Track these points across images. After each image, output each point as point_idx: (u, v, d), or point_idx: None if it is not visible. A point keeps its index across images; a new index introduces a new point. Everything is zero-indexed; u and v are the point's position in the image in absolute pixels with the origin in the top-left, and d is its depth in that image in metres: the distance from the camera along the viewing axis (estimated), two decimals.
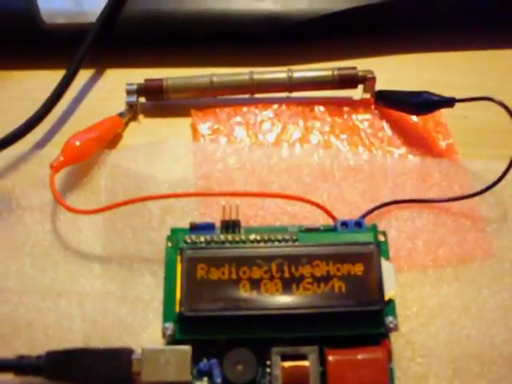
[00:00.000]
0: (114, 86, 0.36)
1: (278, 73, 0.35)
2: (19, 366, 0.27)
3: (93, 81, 0.37)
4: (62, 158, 0.31)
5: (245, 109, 0.35)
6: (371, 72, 0.35)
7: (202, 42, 0.37)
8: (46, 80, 0.35)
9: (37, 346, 0.28)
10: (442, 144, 0.34)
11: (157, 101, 0.35)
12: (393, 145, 0.34)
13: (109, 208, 0.29)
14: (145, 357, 0.27)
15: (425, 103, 0.33)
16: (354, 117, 0.35)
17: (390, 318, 0.27)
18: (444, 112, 0.35)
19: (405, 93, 0.34)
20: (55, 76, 0.34)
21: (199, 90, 0.35)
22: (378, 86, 0.35)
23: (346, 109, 0.35)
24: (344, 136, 0.34)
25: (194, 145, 0.34)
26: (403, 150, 0.34)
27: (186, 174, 0.32)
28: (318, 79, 0.35)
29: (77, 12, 0.36)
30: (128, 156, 0.33)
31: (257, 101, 0.35)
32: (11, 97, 0.36)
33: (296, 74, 0.35)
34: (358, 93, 0.36)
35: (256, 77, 0.35)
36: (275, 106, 0.35)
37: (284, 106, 0.35)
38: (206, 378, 0.27)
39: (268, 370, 0.27)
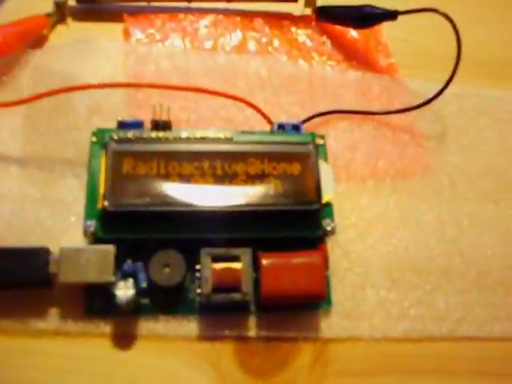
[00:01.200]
0: None
1: None
2: None
3: None
4: None
5: (181, 16, 0.33)
6: None
7: None
8: None
9: None
10: (383, 62, 0.33)
11: (87, 3, 0.33)
12: (333, 59, 0.33)
13: (30, 100, 0.27)
14: (63, 256, 0.25)
15: (367, 16, 0.32)
16: (293, 30, 0.33)
17: (327, 221, 0.26)
18: (385, 32, 0.34)
19: (347, 7, 0.33)
20: None
21: None
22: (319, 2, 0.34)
23: (285, 22, 0.34)
24: (282, 47, 0.33)
25: (126, 45, 0.32)
26: (343, 65, 0.33)
27: (116, 75, 0.30)
28: None
29: None
30: (54, 55, 0.31)
31: (194, 10, 0.33)
32: None
33: None
34: (298, 7, 0.34)
35: None
36: (213, 16, 0.33)
37: (222, 16, 0.33)
38: (130, 280, 0.25)
39: (198, 274, 0.25)
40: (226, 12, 0.34)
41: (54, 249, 0.25)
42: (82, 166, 0.27)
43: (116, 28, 0.33)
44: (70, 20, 0.33)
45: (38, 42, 0.32)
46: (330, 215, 0.26)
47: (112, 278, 0.25)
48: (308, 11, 0.34)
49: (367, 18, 0.32)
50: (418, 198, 0.29)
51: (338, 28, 0.34)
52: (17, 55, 0.31)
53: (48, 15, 0.32)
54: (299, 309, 0.26)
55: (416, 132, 0.31)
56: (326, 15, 0.33)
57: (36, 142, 0.29)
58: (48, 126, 0.29)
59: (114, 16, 0.33)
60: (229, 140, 0.27)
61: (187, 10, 0.33)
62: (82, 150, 0.28)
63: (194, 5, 0.33)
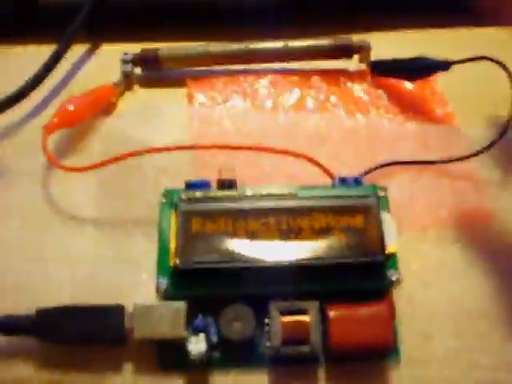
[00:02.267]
0: (107, 61, 0.35)
1: (273, 41, 0.34)
2: (7, 324, 0.26)
3: (86, 55, 0.36)
4: (55, 120, 0.31)
5: (241, 78, 0.34)
6: (366, 41, 0.34)
7: (198, 17, 0.36)
8: (37, 55, 0.34)
9: (24, 308, 0.27)
10: (440, 111, 0.33)
11: (152, 70, 0.35)
12: (390, 112, 0.33)
13: (102, 164, 0.29)
14: (137, 313, 0.26)
15: (420, 68, 0.33)
16: (349, 85, 0.34)
17: (392, 271, 0.27)
18: (440, 81, 0.35)
19: (400, 60, 0.33)
20: (46, 51, 0.34)
21: (195, 60, 0.34)
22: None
23: (341, 78, 0.35)
24: (340, 103, 0.33)
25: (190, 108, 0.33)
26: (400, 116, 0.33)
27: (181, 137, 0.32)
28: (314, 48, 0.34)
29: None
30: (122, 121, 0.33)
31: (253, 72, 0.35)
32: (4, 71, 0.35)
33: (292, 43, 0.34)
34: (353, 63, 0.35)
35: (252, 46, 0.34)
36: (271, 76, 0.35)
37: (279, 76, 0.35)
38: (201, 335, 0.26)
39: (266, 327, 0.26)
40: (284, 72, 0.35)
41: (128, 306, 0.26)
42: (152, 226, 0.29)
43: (180, 92, 0.34)
44: (136, 87, 0.35)
45: (108, 109, 0.34)
46: (395, 266, 0.27)
47: (184, 334, 0.25)
48: (363, 66, 0.35)
49: (420, 70, 0.33)
50: (481, 245, 0.29)
51: (393, 81, 0.34)
52: (88, 123, 0.33)
53: (116, 84, 0.34)
54: (368, 359, 0.26)
55: (476, 179, 0.31)
56: (380, 69, 0.34)
57: (109, 203, 0.30)
58: (119, 188, 0.31)
59: (177, 81, 0.35)
60: (293, 196, 0.28)
61: (246, 72, 0.35)
62: (152, 210, 0.29)
63: (252, 66, 0.35)
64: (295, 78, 0.34)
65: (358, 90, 0.34)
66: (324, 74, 0.35)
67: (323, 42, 0.34)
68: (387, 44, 0.36)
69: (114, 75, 0.34)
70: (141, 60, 0.34)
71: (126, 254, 0.29)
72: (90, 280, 0.28)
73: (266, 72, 0.35)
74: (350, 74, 0.35)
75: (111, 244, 0.29)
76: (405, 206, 0.30)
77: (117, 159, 0.29)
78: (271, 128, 0.32)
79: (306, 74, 0.35)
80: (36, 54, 0.34)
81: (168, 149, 0.29)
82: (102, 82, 0.34)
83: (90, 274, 0.28)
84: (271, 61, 0.35)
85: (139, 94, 0.35)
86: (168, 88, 0.35)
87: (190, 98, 0.34)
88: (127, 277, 0.28)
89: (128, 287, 0.28)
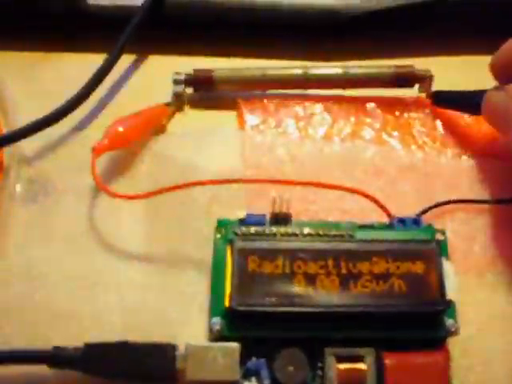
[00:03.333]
0: (158, 73, 0.34)
1: (332, 68, 0.33)
2: (55, 357, 0.25)
3: (136, 66, 0.35)
4: (105, 142, 0.30)
5: (293, 102, 0.33)
6: (429, 71, 0.33)
7: (252, 33, 0.35)
8: (86, 63, 0.33)
9: (71, 336, 0.27)
10: (497, 145, 0.33)
11: (205, 92, 0.34)
12: (446, 145, 0.32)
13: (151, 194, 0.28)
14: (190, 353, 0.25)
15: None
16: (405, 115, 0.33)
17: (450, 321, 0.26)
18: None
19: (464, 92, 0.32)
20: (96, 59, 0.32)
21: (250, 83, 0.33)
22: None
23: (397, 106, 0.34)
24: (396, 134, 0.32)
25: (243, 133, 0.32)
26: (457, 150, 0.32)
27: (233, 164, 0.31)
28: (374, 76, 0.33)
29: None
30: (173, 143, 0.32)
31: (306, 96, 0.34)
32: (51, 79, 0.34)
33: (351, 71, 0.33)
34: (413, 91, 0.34)
35: (310, 72, 0.33)
36: (326, 102, 0.33)
37: (335, 102, 0.33)
38: (253, 378, 0.25)
39: (319, 371, 0.26)
40: (339, 98, 0.34)
41: (178, 341, 0.25)
42: (203, 257, 0.28)
43: (231, 115, 0.33)
44: (187, 108, 0.34)
45: (158, 131, 0.33)
46: (453, 315, 0.26)
47: (237, 377, 0.25)
48: (422, 95, 0.34)
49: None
50: None
51: (451, 113, 0.33)
52: (138, 144, 0.32)
53: (167, 104, 0.33)
54: None
55: None
56: (442, 100, 0.33)
57: (157, 229, 0.29)
58: (169, 215, 0.30)
59: (229, 103, 0.34)
60: (351, 236, 0.27)
61: (300, 96, 0.34)
62: (203, 241, 0.28)
63: (309, 91, 0.34)
64: (350, 105, 0.33)
65: (414, 119, 0.33)
66: (381, 101, 0.34)
67: (384, 70, 0.33)
68: (448, 69, 0.35)
69: (163, 88, 0.33)
70: (193, 81, 0.33)
71: (176, 287, 0.28)
72: (139, 309, 0.28)
73: (320, 97, 0.34)
74: (406, 102, 0.34)
75: (160, 274, 0.28)
76: (461, 247, 0.29)
77: (164, 190, 0.28)
78: (326, 158, 0.31)
79: (361, 100, 0.34)
80: (84, 63, 0.33)
81: (218, 182, 0.29)
82: (151, 96, 0.33)
83: (139, 303, 0.28)
84: (329, 87, 0.34)
85: (190, 114, 0.34)
86: (220, 110, 0.34)
87: (241, 120, 0.33)
88: (177, 311, 0.28)
89: (178, 322, 0.27)
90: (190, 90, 0.34)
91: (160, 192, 0.28)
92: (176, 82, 0.33)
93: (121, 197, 0.29)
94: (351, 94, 0.34)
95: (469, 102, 0.32)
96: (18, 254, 0.29)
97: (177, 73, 0.33)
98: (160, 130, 0.33)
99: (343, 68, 0.33)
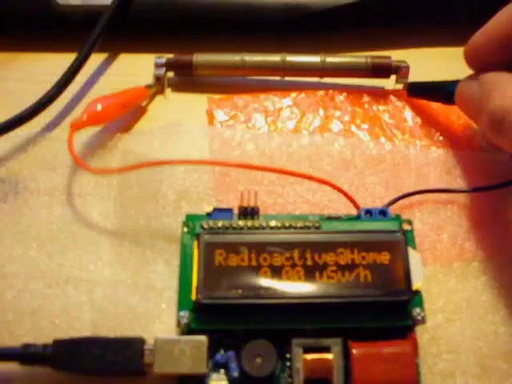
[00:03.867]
0: (127, 71, 0.35)
1: (310, 56, 0.34)
2: (25, 354, 0.26)
3: (105, 65, 0.35)
4: (84, 118, 0.30)
5: (262, 96, 0.34)
6: (405, 62, 0.34)
7: (217, 29, 0.36)
8: (57, 63, 0.33)
9: (42, 334, 0.27)
10: (465, 137, 0.33)
11: (185, 76, 0.34)
12: (415, 136, 0.32)
13: (125, 169, 0.29)
14: (158, 347, 0.25)
15: None
16: (374, 107, 0.34)
17: (417, 310, 0.26)
18: None
19: (438, 82, 0.32)
20: (67, 59, 0.33)
21: (229, 69, 0.34)
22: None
23: (366, 98, 0.34)
24: (365, 126, 0.33)
25: (211, 129, 0.32)
26: (425, 141, 0.32)
27: (202, 158, 0.31)
28: (351, 65, 0.34)
29: None
30: (142, 140, 0.32)
31: (275, 91, 0.34)
32: (21, 79, 0.35)
33: (329, 59, 0.33)
34: (389, 82, 0.34)
35: (288, 59, 0.34)
36: (294, 94, 0.34)
37: (303, 94, 0.34)
38: (222, 371, 0.26)
39: (288, 363, 0.26)
40: (308, 92, 0.34)
41: (146, 335, 0.26)
42: (172, 252, 0.28)
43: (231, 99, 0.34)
44: (168, 91, 0.34)
45: (138, 112, 0.33)
46: (420, 304, 0.26)
47: (205, 370, 0.25)
48: (399, 86, 0.34)
49: None
50: (507, 279, 0.29)
51: (420, 104, 0.34)
52: (107, 138, 0.32)
53: (148, 87, 0.34)
54: None
55: (504, 210, 0.30)
56: (416, 91, 0.33)
57: (127, 227, 0.29)
58: (138, 211, 0.30)
59: (208, 88, 0.34)
60: (317, 228, 0.27)
61: (270, 91, 0.34)
62: (172, 236, 0.29)
63: (279, 84, 0.34)
64: (319, 97, 0.34)
65: (383, 111, 0.33)
66: (349, 94, 0.34)
67: (361, 60, 0.34)
68: (423, 60, 0.35)
69: (131, 86, 0.33)
70: (174, 64, 0.34)
71: (145, 282, 0.28)
72: (109, 305, 0.28)
73: (287, 90, 0.34)
74: (375, 94, 0.34)
75: (130, 269, 0.28)
76: (430, 237, 0.29)
77: (136, 167, 0.29)
78: (294, 151, 0.31)
79: (330, 94, 0.34)
80: (54, 63, 0.34)
81: (189, 162, 0.30)
82: (133, 83, 0.33)
83: (108, 298, 0.28)
84: (306, 75, 0.34)
85: (170, 98, 0.34)
86: (199, 94, 0.34)
87: (211, 116, 0.33)
88: (146, 304, 0.28)
89: (147, 315, 0.27)
90: (172, 75, 0.35)
91: (131, 168, 0.29)
92: (157, 65, 0.34)
93: (94, 171, 0.30)
94: (321, 86, 0.34)
95: (442, 91, 0.32)
96: None
97: (158, 56, 0.34)
98: (140, 111, 0.34)
99: (321, 57, 0.34)
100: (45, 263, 0.29)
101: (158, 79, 0.34)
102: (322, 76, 0.34)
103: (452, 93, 0.31)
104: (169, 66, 0.34)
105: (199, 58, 0.34)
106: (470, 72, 0.31)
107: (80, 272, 0.28)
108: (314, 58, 0.34)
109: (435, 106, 0.34)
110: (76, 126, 0.30)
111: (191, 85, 0.35)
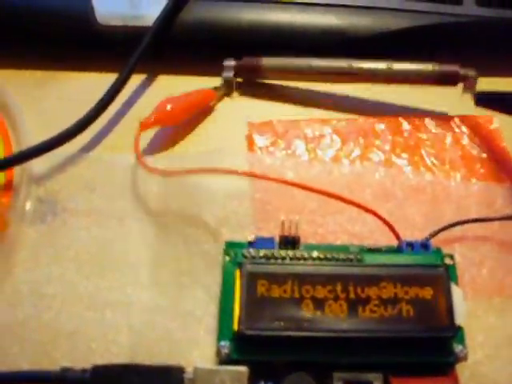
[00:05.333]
0: (166, 93, 0.34)
1: (377, 62, 0.34)
2: (63, 378, 0.25)
3: (144, 86, 0.35)
4: (153, 118, 0.31)
5: (303, 122, 0.34)
6: (473, 70, 0.33)
7: (258, 53, 0.35)
8: (95, 83, 0.34)
9: (78, 357, 0.27)
10: (505, 169, 0.32)
11: (252, 79, 0.35)
12: (455, 167, 0.32)
13: (180, 173, 0.30)
14: (198, 376, 0.25)
15: None
16: (414, 136, 0.33)
17: (459, 347, 0.26)
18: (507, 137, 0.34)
19: (508, 93, 0.33)
20: (107, 79, 0.33)
21: (296, 73, 0.34)
22: None
23: (406, 127, 0.34)
24: (405, 155, 0.33)
25: (252, 156, 0.32)
26: (465, 172, 0.32)
27: (242, 186, 0.31)
28: (418, 72, 0.34)
29: (133, 15, 0.34)
30: (182, 163, 0.31)
31: (315, 118, 0.34)
32: (60, 97, 0.35)
33: (395, 65, 0.34)
34: (457, 92, 0.34)
35: (355, 65, 0.34)
36: (334, 122, 0.34)
37: (344, 122, 0.34)
38: None
39: None
40: (349, 120, 0.34)
41: (184, 362, 0.25)
42: (211, 279, 0.28)
43: (278, 103, 0.35)
44: (236, 94, 0.35)
45: (206, 112, 0.34)
46: (462, 341, 0.26)
47: None
48: (467, 96, 0.34)
49: None
50: None
51: (460, 135, 0.33)
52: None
53: (216, 88, 0.34)
54: None
55: None
56: (485, 101, 0.33)
57: (167, 250, 0.29)
58: (178, 235, 0.30)
59: (276, 92, 0.35)
60: (359, 261, 0.27)
61: (310, 119, 0.34)
62: (211, 262, 0.29)
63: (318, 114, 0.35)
64: (359, 126, 0.34)
65: (424, 141, 0.33)
66: (389, 122, 0.34)
67: (428, 66, 0.33)
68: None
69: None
70: (242, 68, 0.35)
71: (184, 308, 0.28)
72: (147, 330, 0.27)
73: (328, 118, 0.34)
74: (415, 123, 0.34)
75: (168, 294, 0.28)
76: (470, 271, 0.29)
77: (185, 173, 0.30)
78: (335, 180, 0.31)
79: (370, 122, 0.34)
80: (94, 83, 0.34)
81: (230, 172, 0.30)
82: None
83: (146, 323, 0.28)
84: (372, 81, 0.34)
85: (237, 101, 0.35)
86: (266, 99, 0.35)
87: (251, 141, 0.33)
88: (184, 330, 0.27)
89: (185, 342, 0.27)
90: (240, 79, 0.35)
91: (182, 173, 0.30)
92: (226, 68, 0.34)
93: (155, 171, 0.30)
94: (362, 114, 0.35)
95: None
96: (26, 274, 0.29)
97: (227, 59, 0.35)
98: (208, 111, 0.35)
99: (387, 63, 0.34)
100: (83, 285, 0.28)
101: (226, 82, 0.35)
102: (387, 82, 0.34)
103: None
104: (237, 69, 0.35)
105: (267, 62, 0.34)
106: None
107: (118, 295, 0.28)
108: (380, 64, 0.34)
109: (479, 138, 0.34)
110: (144, 126, 0.31)
111: (259, 88, 0.36)
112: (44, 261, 0.29)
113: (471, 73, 0.33)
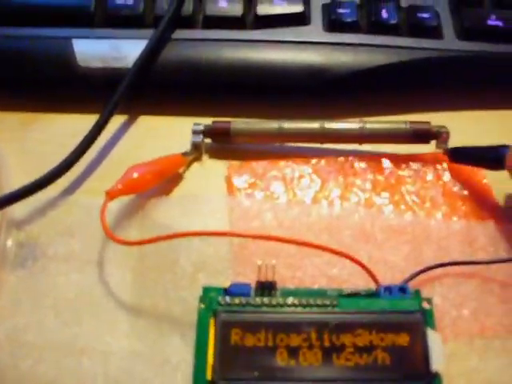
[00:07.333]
0: (147, 134, 0.35)
1: (349, 123, 0.34)
2: None
3: (125, 127, 0.35)
4: (119, 187, 0.30)
5: (282, 163, 0.33)
6: (445, 127, 0.33)
7: (238, 92, 0.35)
8: (76, 124, 0.34)
9: None
10: (487, 207, 0.32)
11: (222, 143, 0.35)
12: (436, 205, 0.32)
13: (150, 241, 0.28)
14: None
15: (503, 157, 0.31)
16: (395, 174, 0.33)
17: None
18: (488, 174, 0.33)
19: (485, 148, 0.32)
20: (86, 121, 0.33)
21: (267, 136, 0.34)
22: None
23: (387, 165, 0.34)
24: (385, 194, 0.32)
25: (230, 199, 0.32)
26: (447, 210, 0.32)
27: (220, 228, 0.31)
28: (390, 131, 0.33)
29: (113, 56, 0.35)
30: (161, 208, 0.32)
31: (295, 157, 0.34)
32: (40, 140, 0.35)
33: (368, 126, 0.33)
34: (429, 147, 0.34)
35: (327, 126, 0.33)
36: (314, 161, 0.34)
37: (323, 161, 0.34)
38: None
39: None
40: (329, 159, 0.34)
41: None
42: (188, 326, 0.28)
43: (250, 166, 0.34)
44: (205, 157, 0.35)
45: (175, 179, 0.34)
46: None
47: None
48: (439, 151, 0.34)
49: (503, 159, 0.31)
50: None
51: (442, 172, 0.33)
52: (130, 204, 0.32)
53: (184, 154, 0.34)
54: None
55: None
56: (459, 156, 0.33)
57: (144, 298, 0.29)
58: (155, 282, 0.30)
59: (247, 155, 0.34)
60: (334, 307, 0.27)
61: (290, 158, 0.34)
62: (188, 309, 0.28)
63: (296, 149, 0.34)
64: (339, 165, 0.33)
65: (404, 178, 0.33)
66: (370, 160, 0.34)
67: (401, 126, 0.33)
68: (459, 123, 0.35)
69: (155, 149, 0.33)
70: (211, 132, 0.34)
71: (161, 353, 0.28)
72: (124, 378, 0.27)
73: (308, 156, 0.34)
74: (395, 158, 0.34)
75: (146, 341, 0.28)
76: (450, 313, 0.29)
77: (162, 238, 0.28)
78: (314, 222, 0.31)
79: (350, 161, 0.34)
80: (75, 124, 0.34)
81: (204, 233, 0.29)
82: (142, 157, 0.32)
83: (123, 371, 0.27)
84: (345, 142, 0.34)
85: (208, 164, 0.34)
86: (236, 160, 0.34)
87: (230, 183, 0.33)
88: (161, 378, 0.27)
89: None
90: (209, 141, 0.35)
91: (154, 240, 0.28)
92: (194, 133, 0.34)
93: (121, 242, 0.29)
94: (339, 151, 0.34)
95: (490, 156, 0.32)
96: (4, 321, 0.29)
97: (196, 123, 0.34)
98: (177, 178, 0.34)
99: (360, 123, 0.34)
100: (61, 332, 0.28)
101: (195, 146, 0.34)
102: (360, 142, 0.34)
103: (501, 158, 0.31)
104: (206, 133, 0.34)
105: (237, 125, 0.34)
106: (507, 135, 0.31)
107: (96, 343, 0.28)
108: (352, 125, 0.34)
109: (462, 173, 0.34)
110: (111, 195, 0.30)
111: (229, 151, 0.35)
112: (24, 307, 0.29)
113: (443, 130, 0.33)
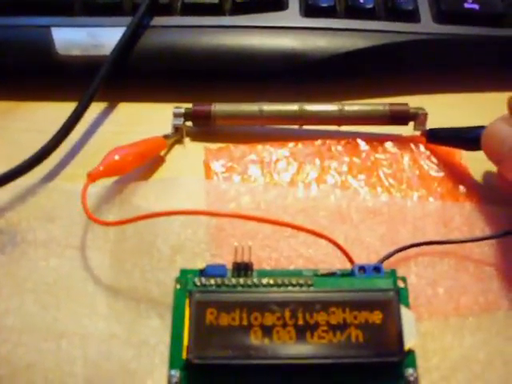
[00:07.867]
0: (127, 120, 0.35)
1: (328, 105, 0.34)
2: None
3: (105, 114, 0.36)
4: (100, 169, 0.31)
5: (260, 147, 0.34)
6: (423, 109, 0.34)
7: (216, 78, 0.36)
8: (56, 112, 0.34)
9: None
10: (464, 188, 0.33)
11: (203, 126, 0.35)
12: (412, 187, 0.32)
13: (129, 221, 0.28)
14: None
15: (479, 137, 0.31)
16: (372, 157, 0.34)
17: (409, 371, 0.26)
18: (464, 154, 0.34)
19: (462, 128, 0.33)
20: (67, 108, 0.33)
21: (247, 118, 0.34)
22: None
23: (364, 148, 0.34)
24: (362, 176, 0.33)
25: (207, 183, 0.32)
26: (423, 192, 0.32)
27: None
28: (369, 113, 0.34)
29: (92, 44, 0.35)
30: (139, 192, 0.32)
31: (273, 141, 0.34)
32: (21, 128, 0.35)
33: (347, 108, 0.34)
34: (407, 130, 0.35)
35: (306, 108, 0.34)
36: (291, 144, 0.34)
37: (300, 145, 0.34)
38: None
39: None
40: (306, 142, 0.34)
41: None
42: (166, 307, 0.28)
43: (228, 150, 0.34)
44: (187, 140, 0.35)
45: (157, 161, 0.34)
46: (413, 364, 0.26)
47: None
48: (417, 133, 0.34)
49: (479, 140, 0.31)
50: (504, 335, 0.28)
51: (418, 155, 0.34)
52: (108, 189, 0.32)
53: (166, 136, 0.34)
54: None
55: (501, 263, 0.30)
56: (437, 138, 0.33)
57: (122, 280, 0.30)
58: (133, 265, 0.30)
59: (227, 137, 0.35)
60: (310, 286, 0.27)
61: (267, 141, 0.34)
62: (166, 291, 0.29)
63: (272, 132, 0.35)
64: (316, 148, 0.34)
65: (381, 161, 0.33)
66: (346, 143, 0.34)
67: (379, 107, 0.34)
68: (436, 106, 0.35)
69: (133, 135, 0.33)
70: (192, 115, 0.34)
71: (139, 335, 0.28)
72: (102, 361, 0.27)
73: (285, 140, 0.34)
74: (371, 141, 0.34)
75: (124, 323, 0.28)
76: (425, 292, 0.29)
77: (141, 218, 0.28)
78: (290, 204, 0.31)
79: (327, 144, 0.34)
80: (55, 112, 0.34)
81: (181, 212, 0.29)
82: (118, 143, 0.33)
83: (102, 354, 0.28)
84: (324, 124, 0.35)
85: (189, 147, 0.35)
86: (217, 143, 0.34)
87: (208, 167, 0.33)
88: (139, 360, 0.27)
89: (140, 372, 0.27)
90: (190, 124, 0.35)
91: (133, 220, 0.28)
92: (175, 115, 0.34)
93: (103, 223, 0.30)
94: (318, 134, 0.35)
95: (466, 137, 0.32)
96: None
97: (176, 107, 0.34)
98: (159, 160, 0.34)
99: (339, 105, 0.34)
100: (40, 316, 0.29)
101: (176, 129, 0.34)
102: (339, 124, 0.35)
103: (477, 138, 0.31)
104: (187, 116, 0.34)
105: (217, 108, 0.34)
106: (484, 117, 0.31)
107: (74, 326, 0.28)
108: (331, 107, 0.34)
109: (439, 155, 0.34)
110: (93, 177, 0.30)
111: (210, 134, 0.35)
112: (3, 292, 0.29)
113: (421, 111, 0.34)
